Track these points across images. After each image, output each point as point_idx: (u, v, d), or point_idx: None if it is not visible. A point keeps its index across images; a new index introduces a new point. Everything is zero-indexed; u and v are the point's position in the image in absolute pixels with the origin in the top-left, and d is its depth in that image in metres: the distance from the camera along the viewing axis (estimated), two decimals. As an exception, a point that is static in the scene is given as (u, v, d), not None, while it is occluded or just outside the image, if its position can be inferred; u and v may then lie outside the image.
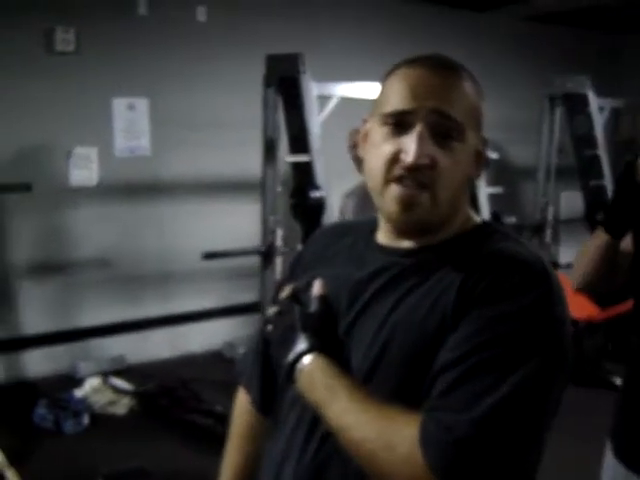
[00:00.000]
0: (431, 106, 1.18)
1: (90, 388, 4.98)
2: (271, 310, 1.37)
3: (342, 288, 1.30)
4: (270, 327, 1.34)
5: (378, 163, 1.22)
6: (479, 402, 1.06)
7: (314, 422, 1.23)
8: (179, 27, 5.82)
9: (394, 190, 1.20)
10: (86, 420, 4.57)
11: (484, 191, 5.30)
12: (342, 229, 1.48)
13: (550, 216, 6.31)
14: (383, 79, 1.28)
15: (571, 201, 7.21)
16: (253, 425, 1.51)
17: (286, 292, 1.37)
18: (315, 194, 4.41)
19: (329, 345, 1.25)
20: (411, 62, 1.25)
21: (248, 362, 1.51)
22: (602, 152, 5.89)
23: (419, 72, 1.22)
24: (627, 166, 1.97)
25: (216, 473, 1.60)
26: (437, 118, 1.18)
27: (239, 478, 1.54)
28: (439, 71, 1.22)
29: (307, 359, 1.23)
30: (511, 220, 5.36)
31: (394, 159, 1.20)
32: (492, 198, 5.44)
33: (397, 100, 1.21)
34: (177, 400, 4.83)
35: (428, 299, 1.18)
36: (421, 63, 1.23)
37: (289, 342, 1.26)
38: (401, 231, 1.27)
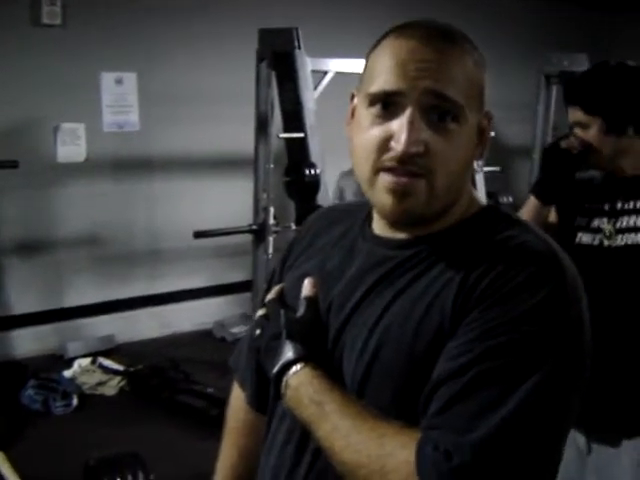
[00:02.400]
0: (424, 86, 1.04)
1: (79, 368, 4.93)
2: (259, 313, 1.26)
3: (333, 286, 1.19)
4: (257, 332, 1.23)
5: (366, 150, 1.08)
6: (482, 420, 0.95)
7: (305, 436, 1.13)
8: (168, 0, 5.69)
9: (385, 179, 1.07)
10: (75, 401, 4.51)
11: (480, 171, 5.23)
12: (334, 216, 1.35)
13: (545, 195, 6.24)
14: (369, 50, 1.13)
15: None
16: (249, 422, 1.42)
17: (273, 293, 1.27)
18: (310, 172, 4.32)
19: (318, 354, 1.14)
20: (400, 31, 1.09)
21: (242, 357, 1.42)
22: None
23: (410, 44, 1.06)
24: (562, 137, 2.29)
25: (208, 455, 1.53)
26: (431, 99, 1.04)
27: (236, 475, 1.45)
28: (433, 43, 1.06)
29: (293, 371, 1.11)
30: (508, 200, 5.30)
31: (383, 146, 1.06)
32: (488, 178, 5.37)
33: (385, 79, 1.06)
34: (168, 381, 4.76)
35: (425, 298, 1.06)
36: (412, 33, 1.07)
37: (275, 351, 1.15)
38: (395, 224, 1.14)
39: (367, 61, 1.13)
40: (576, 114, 2.18)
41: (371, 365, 1.08)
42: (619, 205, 2.16)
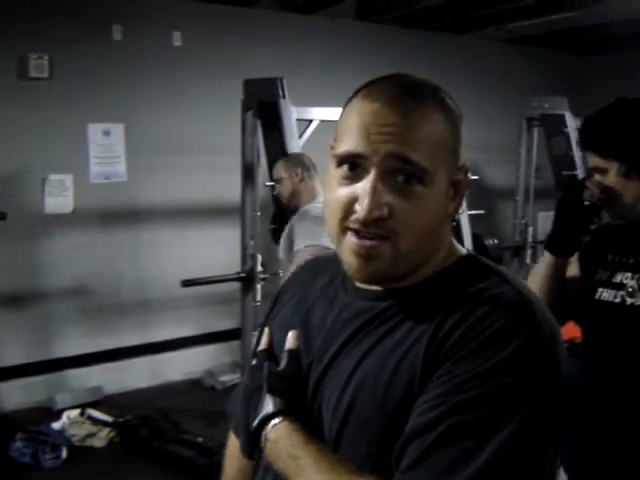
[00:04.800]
0: (386, 151, 1.04)
1: (68, 420, 4.88)
2: (252, 362, 1.28)
3: (316, 338, 1.20)
4: (247, 382, 1.25)
5: (333, 209, 1.09)
6: (453, 474, 0.94)
7: None
8: (154, 52, 5.78)
9: (351, 241, 1.08)
10: (64, 453, 4.45)
11: (465, 213, 5.27)
12: (318, 267, 1.35)
13: (530, 237, 6.29)
14: (344, 106, 1.14)
15: (547, 222, 7.23)
16: (244, 470, 1.41)
17: (262, 344, 1.29)
18: (296, 219, 4.34)
19: (297, 407, 1.15)
20: (368, 91, 1.10)
21: (238, 404, 1.43)
22: (580, 172, 5.89)
23: (374, 107, 1.06)
24: (578, 185, 2.04)
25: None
26: (394, 163, 1.04)
27: None
28: (398, 104, 1.06)
29: (272, 424, 1.13)
30: (493, 242, 5.34)
31: (349, 208, 1.07)
32: (472, 220, 5.41)
33: (350, 141, 1.07)
34: (157, 431, 4.72)
35: (396, 353, 1.06)
36: (378, 94, 1.08)
37: (256, 404, 1.17)
38: (360, 282, 1.15)
39: (340, 117, 1.13)
40: (593, 159, 2.02)
41: (345, 419, 1.09)
42: None
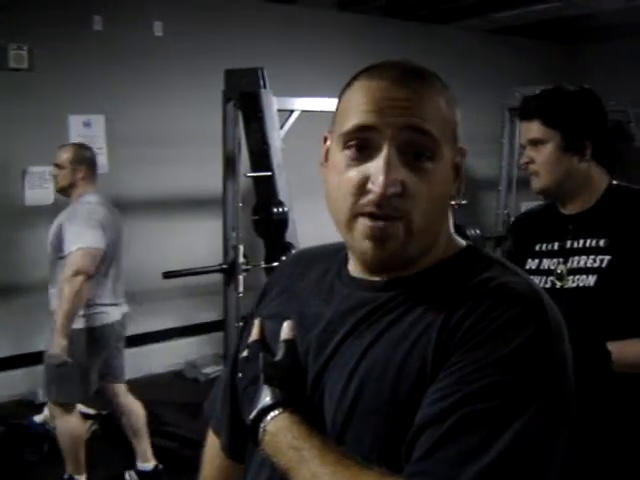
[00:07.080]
0: (401, 122, 1.03)
1: (50, 413, 4.84)
2: (242, 355, 1.24)
3: (311, 329, 1.16)
4: (239, 375, 1.21)
5: (342, 194, 1.06)
6: (467, 466, 0.91)
7: None
8: (135, 43, 5.75)
9: (364, 225, 1.05)
10: (46, 447, 4.43)
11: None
12: (311, 258, 1.32)
13: (512, 227, 6.30)
14: (341, 92, 1.13)
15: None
16: (224, 469, 1.38)
17: (254, 335, 1.24)
18: (278, 210, 4.35)
19: (296, 399, 1.12)
20: (372, 72, 1.09)
21: (217, 402, 1.40)
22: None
23: (382, 84, 1.05)
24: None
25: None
26: (409, 136, 1.03)
27: None
28: (405, 82, 1.06)
29: (271, 416, 1.09)
30: (475, 232, 5.33)
31: (360, 189, 1.04)
32: (455, 210, 5.41)
33: (358, 116, 1.05)
34: (140, 423, 4.70)
35: (405, 342, 1.04)
36: (384, 73, 1.07)
37: (252, 395, 1.13)
38: (375, 268, 1.13)
39: (339, 103, 1.12)
40: (533, 129, 2.08)
41: (352, 409, 1.06)
42: (568, 244, 2.08)
